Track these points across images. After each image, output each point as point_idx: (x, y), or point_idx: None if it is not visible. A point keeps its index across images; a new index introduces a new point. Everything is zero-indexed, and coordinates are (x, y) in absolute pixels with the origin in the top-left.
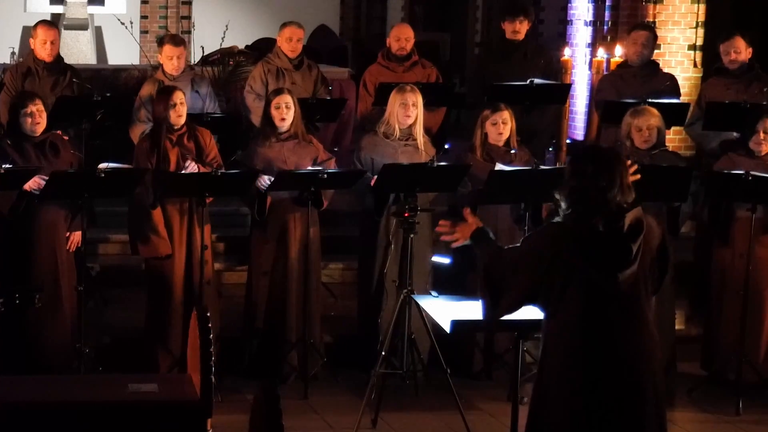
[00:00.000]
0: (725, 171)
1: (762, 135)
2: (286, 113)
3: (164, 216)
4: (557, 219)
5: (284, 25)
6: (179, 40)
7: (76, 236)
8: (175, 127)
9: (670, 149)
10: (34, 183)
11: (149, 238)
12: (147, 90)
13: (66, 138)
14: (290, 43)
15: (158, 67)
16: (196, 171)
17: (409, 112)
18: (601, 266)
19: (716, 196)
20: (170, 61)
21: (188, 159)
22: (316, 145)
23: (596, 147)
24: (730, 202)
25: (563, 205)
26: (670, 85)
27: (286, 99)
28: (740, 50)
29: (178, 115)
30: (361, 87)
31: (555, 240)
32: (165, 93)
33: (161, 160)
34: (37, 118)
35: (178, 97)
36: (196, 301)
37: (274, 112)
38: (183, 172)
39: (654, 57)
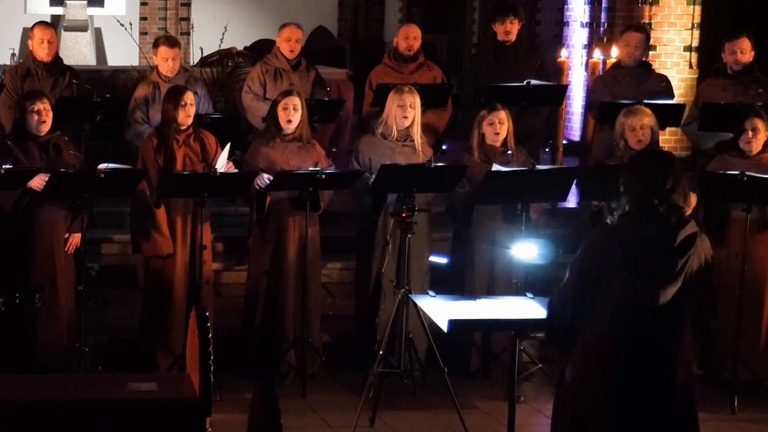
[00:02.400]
0: (720, 171)
1: (750, 134)
2: (292, 115)
3: (167, 215)
4: (608, 220)
5: (284, 25)
6: (174, 41)
7: (75, 238)
8: (183, 128)
9: (666, 149)
10: (39, 180)
11: (151, 236)
12: (142, 92)
13: (66, 139)
14: (289, 43)
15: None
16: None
17: (406, 113)
18: (644, 278)
19: (711, 196)
20: (165, 62)
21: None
22: (318, 151)
23: (656, 152)
24: (725, 203)
25: (617, 208)
26: (665, 86)
27: (295, 101)
28: (745, 50)
29: (187, 116)
30: (366, 87)
31: (606, 243)
32: (175, 93)
33: (168, 159)
34: (44, 116)
35: (189, 97)
36: (195, 300)
37: (281, 113)
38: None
39: (650, 58)
